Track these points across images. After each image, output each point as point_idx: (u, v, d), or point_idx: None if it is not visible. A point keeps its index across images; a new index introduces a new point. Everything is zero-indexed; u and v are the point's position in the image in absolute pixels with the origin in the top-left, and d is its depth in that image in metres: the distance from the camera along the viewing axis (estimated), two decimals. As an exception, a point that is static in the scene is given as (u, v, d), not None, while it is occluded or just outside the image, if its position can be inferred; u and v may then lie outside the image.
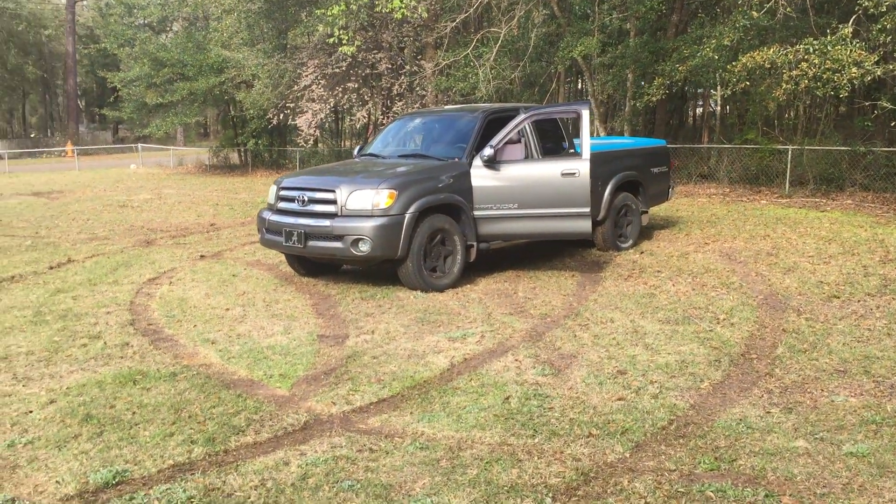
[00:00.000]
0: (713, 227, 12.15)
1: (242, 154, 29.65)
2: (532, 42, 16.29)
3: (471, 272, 8.97)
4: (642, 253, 10.24)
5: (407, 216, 7.98)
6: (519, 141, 9.24)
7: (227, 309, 7.75)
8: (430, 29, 18.36)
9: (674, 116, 23.64)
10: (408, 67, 19.19)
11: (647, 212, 11.04)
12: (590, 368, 5.71)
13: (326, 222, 8.07)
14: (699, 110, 27.20)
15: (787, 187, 16.35)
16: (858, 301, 7.50)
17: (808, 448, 4.29)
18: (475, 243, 8.61)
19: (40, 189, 23.33)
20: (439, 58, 18.10)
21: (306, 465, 4.19)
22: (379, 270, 9.17)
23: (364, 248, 7.90)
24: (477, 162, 8.59)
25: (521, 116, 8.68)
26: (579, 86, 26.89)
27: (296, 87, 19.83)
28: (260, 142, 26.48)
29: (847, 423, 4.63)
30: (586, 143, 8.46)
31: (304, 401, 5.23)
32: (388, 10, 16.52)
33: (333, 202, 8.10)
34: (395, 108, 19.78)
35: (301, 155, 25.57)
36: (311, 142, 21.49)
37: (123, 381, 5.55)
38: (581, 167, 8.38)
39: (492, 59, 16.85)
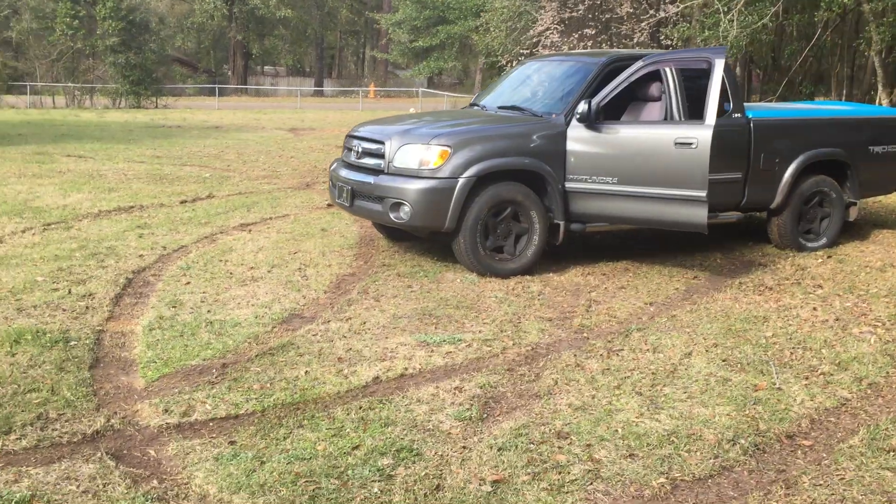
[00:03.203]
0: (971, 232, 8.95)
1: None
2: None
3: (569, 255, 7.29)
4: (829, 258, 7.69)
5: (461, 181, 6.48)
6: (659, 98, 7.25)
7: (252, 268, 6.90)
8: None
9: None
10: (651, 12, 16.90)
11: (855, 203, 8.30)
12: (529, 420, 4.00)
13: (371, 179, 6.84)
14: None
15: None
16: None
17: None
18: (562, 222, 6.87)
19: (299, 126, 24.42)
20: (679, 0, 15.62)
21: (-20, 499, 3.16)
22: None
23: (403, 214, 6.57)
24: (575, 121, 6.81)
25: (636, 65, 6.70)
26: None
27: (532, 32, 18.45)
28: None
29: None
30: (713, 103, 6.31)
31: (140, 401, 4.19)
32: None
33: (382, 156, 6.84)
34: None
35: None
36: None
37: (6, 341, 4.89)
38: (701, 136, 6.27)
39: (741, 2, 14.11)
